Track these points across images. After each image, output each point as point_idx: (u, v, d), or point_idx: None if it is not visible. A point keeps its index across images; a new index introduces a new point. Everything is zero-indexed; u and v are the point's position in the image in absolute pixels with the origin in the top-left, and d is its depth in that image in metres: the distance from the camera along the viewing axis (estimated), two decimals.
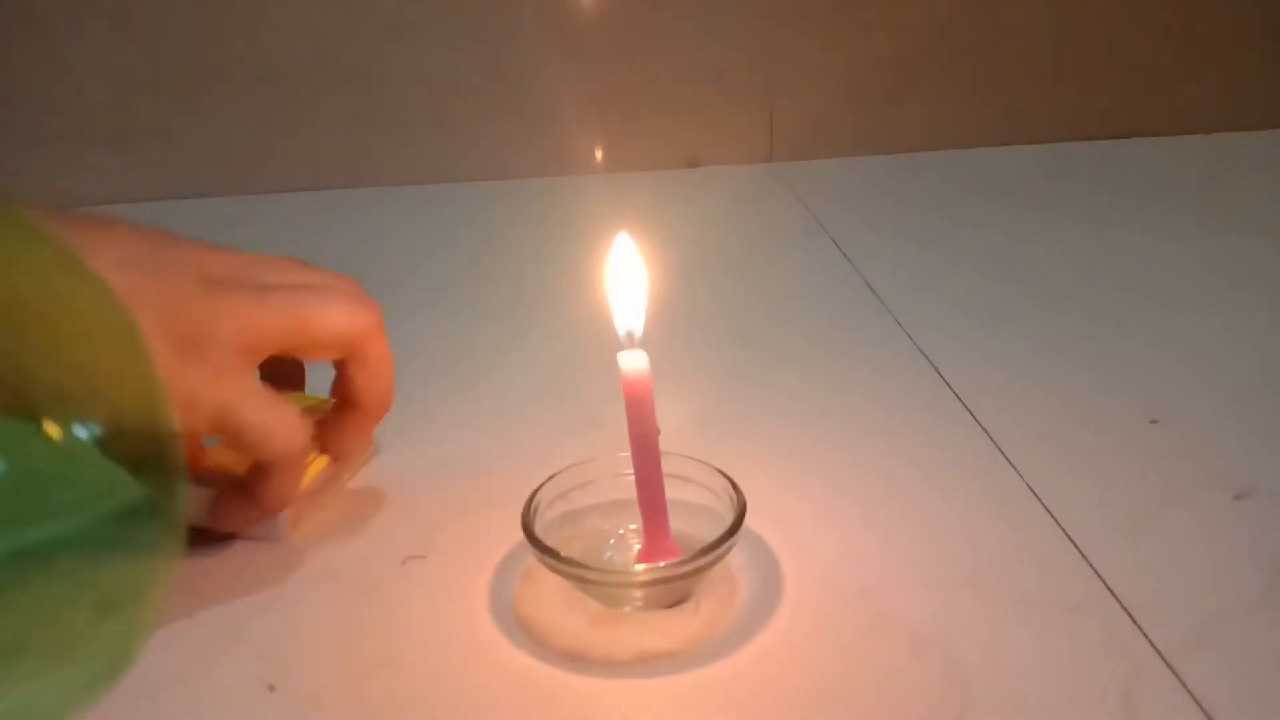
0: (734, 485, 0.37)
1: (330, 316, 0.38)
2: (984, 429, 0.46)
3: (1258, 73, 0.92)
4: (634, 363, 0.34)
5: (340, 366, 0.41)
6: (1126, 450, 0.44)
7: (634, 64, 0.86)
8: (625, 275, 0.35)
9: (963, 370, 0.52)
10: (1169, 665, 0.32)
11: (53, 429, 0.24)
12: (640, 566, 0.36)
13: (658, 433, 0.35)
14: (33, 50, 0.82)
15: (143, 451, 0.26)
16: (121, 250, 0.35)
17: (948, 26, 0.87)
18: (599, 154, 0.88)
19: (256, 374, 0.37)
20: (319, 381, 0.43)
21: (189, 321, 0.34)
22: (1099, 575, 0.36)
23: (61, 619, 0.24)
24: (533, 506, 0.36)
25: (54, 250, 0.26)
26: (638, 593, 0.35)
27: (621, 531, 0.39)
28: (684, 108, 0.88)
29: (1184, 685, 0.31)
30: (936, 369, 0.52)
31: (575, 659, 0.34)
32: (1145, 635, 0.34)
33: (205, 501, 0.39)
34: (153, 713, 0.33)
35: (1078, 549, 0.38)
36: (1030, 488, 0.42)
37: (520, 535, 0.35)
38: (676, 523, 0.36)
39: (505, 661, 0.34)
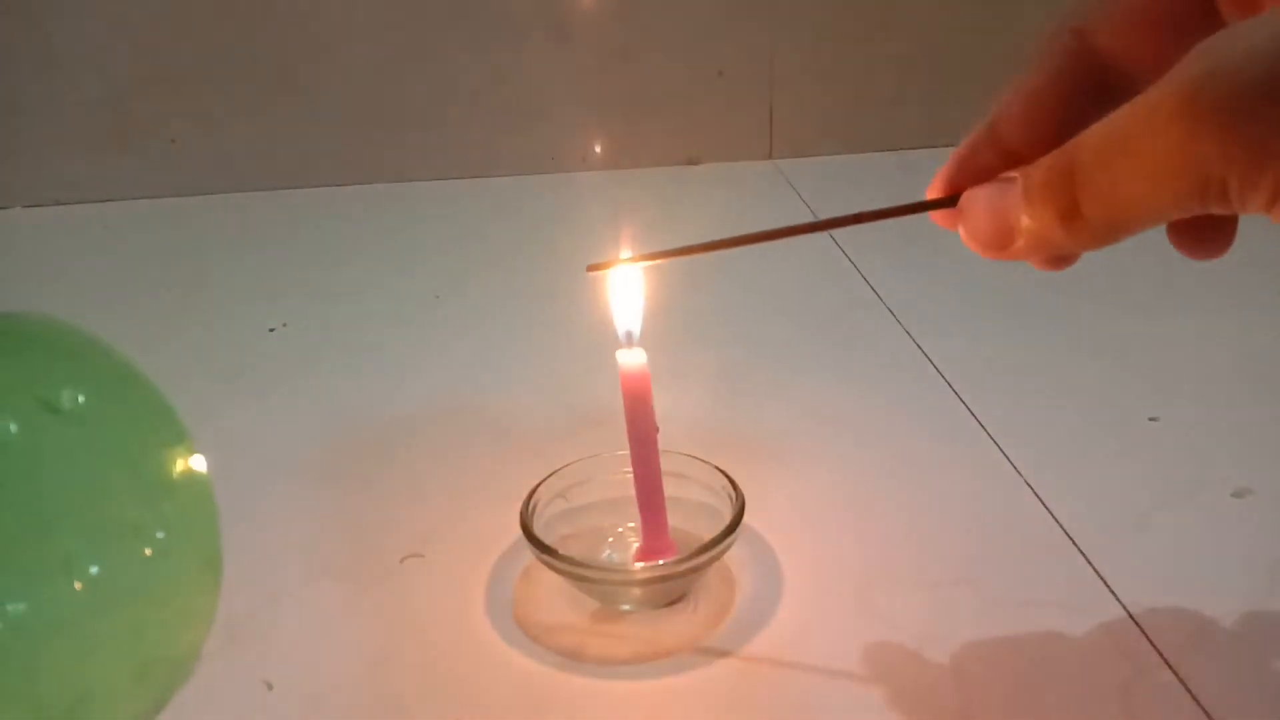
0: (733, 483, 0.37)
1: None
2: (984, 428, 0.46)
3: None
4: (633, 360, 0.34)
5: None
6: (1126, 448, 0.44)
7: (634, 62, 0.86)
8: (624, 280, 0.35)
9: (963, 369, 0.52)
10: (1169, 665, 0.32)
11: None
12: (639, 565, 0.36)
13: (656, 430, 0.35)
14: (32, 50, 0.82)
15: None
16: None
17: (947, 24, 0.87)
18: (597, 149, 0.88)
19: None
20: None
21: None
22: (1099, 575, 0.36)
23: None
24: (531, 504, 0.36)
25: None
26: (636, 591, 0.35)
27: (620, 529, 0.39)
28: (684, 105, 0.88)
29: (1184, 685, 0.31)
30: (937, 367, 0.52)
31: (573, 657, 0.34)
32: (1145, 635, 0.33)
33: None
34: None
35: (1078, 549, 0.38)
36: (1030, 487, 0.42)
37: (519, 533, 0.35)
38: (675, 521, 0.36)
39: (503, 660, 0.34)
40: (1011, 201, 0.26)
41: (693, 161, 0.90)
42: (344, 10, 0.83)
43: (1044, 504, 0.41)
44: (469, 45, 0.85)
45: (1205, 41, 0.21)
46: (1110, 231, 0.24)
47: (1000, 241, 0.26)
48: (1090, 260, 0.28)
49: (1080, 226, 0.24)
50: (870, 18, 0.87)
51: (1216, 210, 0.22)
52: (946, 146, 0.29)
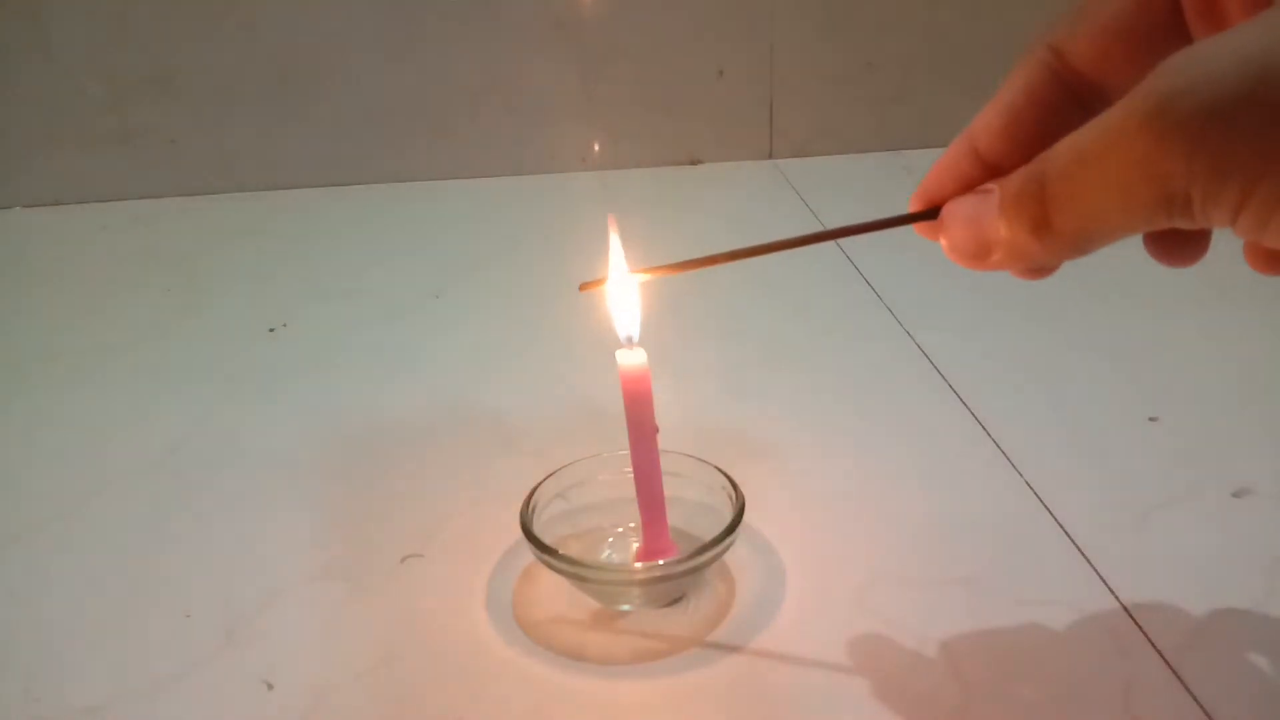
0: (733, 483, 0.37)
1: None
2: (984, 427, 0.46)
3: None
4: (633, 360, 0.34)
5: None
6: (1126, 448, 0.44)
7: (634, 62, 0.86)
8: (622, 279, 0.35)
9: (963, 368, 0.52)
10: (1169, 665, 0.32)
11: None
12: (639, 565, 0.36)
13: (656, 430, 0.35)
14: (33, 50, 0.82)
15: None
16: None
17: (946, 25, 0.87)
18: (596, 148, 0.88)
19: None
20: None
21: None
22: (1099, 575, 0.36)
23: None
24: (531, 505, 0.36)
25: None
26: (636, 591, 0.35)
27: (620, 529, 0.39)
28: (685, 105, 0.88)
29: (1184, 685, 0.31)
30: (936, 367, 0.52)
31: (573, 657, 0.34)
32: (1145, 635, 0.33)
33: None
34: (153, 711, 0.33)
35: (1077, 548, 0.38)
36: (1030, 487, 0.42)
37: (519, 533, 0.35)
38: (675, 521, 0.36)
39: (503, 660, 0.34)
40: (989, 213, 0.26)
41: (693, 161, 0.90)
42: (344, 10, 0.83)
43: (1044, 504, 0.41)
44: (469, 45, 0.85)
45: (1170, 59, 0.21)
46: (1081, 243, 0.24)
47: (979, 253, 0.27)
48: (1091, 259, 0.28)
49: (1052, 238, 0.24)
50: (870, 18, 0.87)
51: (1181, 224, 0.22)
52: (945, 146, 0.29)
